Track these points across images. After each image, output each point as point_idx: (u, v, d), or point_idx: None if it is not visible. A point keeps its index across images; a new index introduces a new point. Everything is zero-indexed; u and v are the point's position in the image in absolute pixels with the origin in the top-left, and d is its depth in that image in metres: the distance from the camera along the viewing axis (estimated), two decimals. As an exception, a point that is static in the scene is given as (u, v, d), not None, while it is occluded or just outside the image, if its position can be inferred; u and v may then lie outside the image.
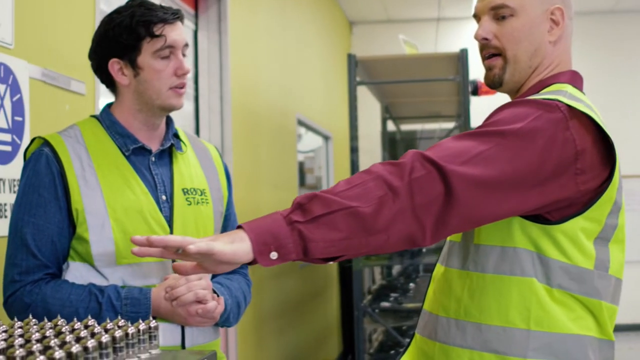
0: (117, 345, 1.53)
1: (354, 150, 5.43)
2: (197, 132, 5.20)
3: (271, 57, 6.46)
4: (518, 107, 1.89)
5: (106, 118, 2.39)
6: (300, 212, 1.69)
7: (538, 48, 2.04)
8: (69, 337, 1.47)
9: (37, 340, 1.45)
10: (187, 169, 2.44)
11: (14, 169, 2.75)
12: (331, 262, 1.75)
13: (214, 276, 2.47)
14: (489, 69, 2.09)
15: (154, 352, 1.68)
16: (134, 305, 2.20)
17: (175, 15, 2.34)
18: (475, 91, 5.78)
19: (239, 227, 1.70)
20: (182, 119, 5.11)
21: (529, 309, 1.89)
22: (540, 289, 1.90)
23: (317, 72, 8.07)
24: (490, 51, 2.07)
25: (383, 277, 7.31)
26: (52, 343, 1.42)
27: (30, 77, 2.92)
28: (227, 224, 2.55)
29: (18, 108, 2.83)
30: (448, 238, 2.09)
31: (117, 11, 2.36)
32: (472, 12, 2.16)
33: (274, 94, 6.47)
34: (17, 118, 2.83)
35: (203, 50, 5.25)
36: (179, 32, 2.34)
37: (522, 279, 1.91)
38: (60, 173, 2.25)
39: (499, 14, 2.04)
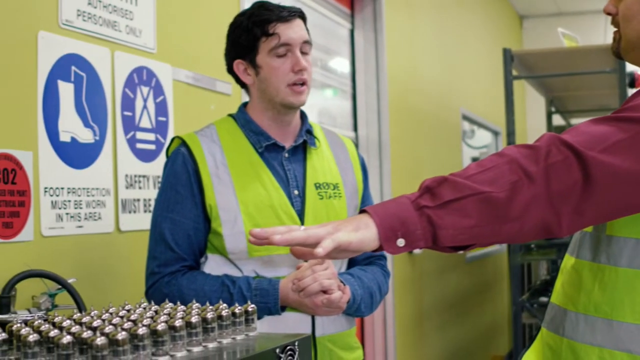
0: (209, 326, 1.63)
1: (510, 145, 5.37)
2: (355, 129, 5.30)
3: (431, 53, 6.46)
4: None
5: (241, 117, 2.49)
6: (429, 197, 1.58)
7: None
8: (163, 317, 1.57)
9: (129, 319, 1.56)
10: (321, 163, 2.51)
11: (158, 166, 2.92)
12: (460, 252, 1.67)
13: (349, 266, 2.54)
14: (612, 39, 1.99)
15: (251, 334, 1.76)
16: (263, 295, 2.29)
17: (292, 13, 2.41)
18: (632, 83, 5.57)
19: (363, 211, 1.62)
20: (340, 117, 5.24)
21: None
22: None
23: (483, 66, 8.00)
24: (614, 25, 1.96)
25: (548, 272, 7.14)
26: (143, 322, 1.53)
27: (174, 79, 3.09)
28: None
29: (161, 109, 3.01)
30: (588, 230, 1.93)
31: (240, 14, 2.48)
32: None
33: (434, 90, 6.47)
34: (161, 118, 3.00)
35: (359, 49, 5.34)
36: (296, 30, 2.39)
37: None
38: (195, 171, 2.37)
39: None
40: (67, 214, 2.51)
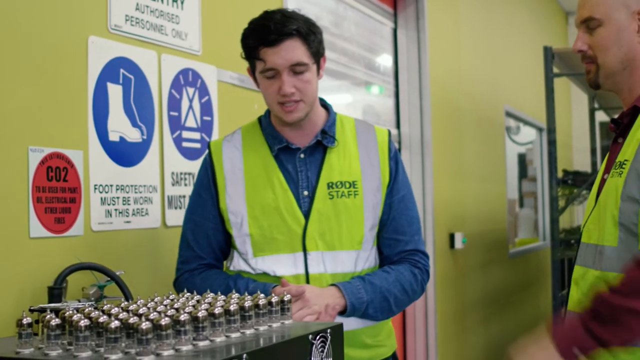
0: (247, 314, 1.74)
1: (551, 142, 5.43)
2: (398, 126, 5.38)
3: (474, 50, 6.51)
4: None
5: (264, 120, 2.58)
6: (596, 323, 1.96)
7: (628, 51, 2.15)
8: (204, 306, 1.69)
9: (172, 307, 1.68)
10: (339, 162, 2.51)
11: (203, 164, 3.04)
12: None
13: (382, 262, 2.56)
14: (586, 72, 2.24)
15: (287, 322, 1.86)
16: None
17: (281, 36, 2.38)
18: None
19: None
20: (385, 115, 5.33)
21: None
22: None
23: (528, 63, 8.02)
24: (586, 60, 2.22)
25: (593, 268, 7.14)
26: (185, 310, 1.64)
27: (219, 80, 3.21)
28: (399, 207, 2.53)
29: (207, 109, 3.13)
30: (592, 241, 2.16)
31: (250, 22, 2.50)
32: None
33: (478, 87, 6.52)
34: (206, 118, 3.12)
35: (402, 48, 5.42)
36: (283, 54, 2.38)
37: None
38: (213, 176, 2.53)
39: (589, 26, 2.18)
40: (115, 209, 2.64)
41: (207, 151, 2.59)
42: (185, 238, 2.57)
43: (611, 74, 2.18)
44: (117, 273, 2.43)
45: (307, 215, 2.45)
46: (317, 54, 2.46)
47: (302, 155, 2.51)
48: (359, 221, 2.48)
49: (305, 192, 2.48)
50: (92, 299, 2.34)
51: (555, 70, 5.73)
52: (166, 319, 1.50)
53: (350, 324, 2.42)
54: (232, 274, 2.51)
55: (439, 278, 5.41)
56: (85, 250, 2.51)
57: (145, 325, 1.47)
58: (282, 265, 2.44)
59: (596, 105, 7.21)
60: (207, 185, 2.53)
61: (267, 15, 2.44)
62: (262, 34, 2.40)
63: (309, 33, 2.42)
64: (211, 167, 2.53)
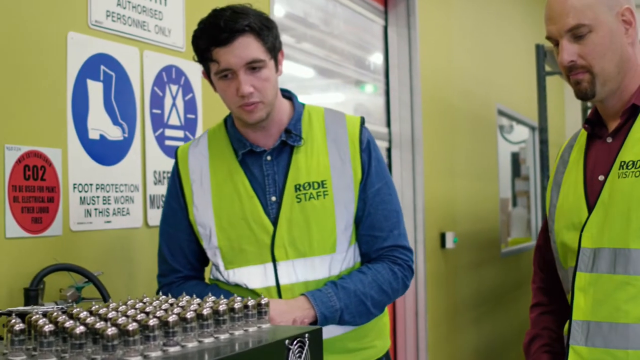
0: (221, 318, 1.69)
1: (543, 142, 5.39)
2: (388, 125, 5.34)
3: (466, 48, 6.47)
4: None
5: (229, 121, 2.47)
6: None
7: (622, 53, 2.08)
8: (175, 310, 1.64)
9: (142, 311, 1.63)
10: (307, 161, 2.39)
11: (186, 162, 2.99)
12: None
13: (362, 258, 2.44)
14: (576, 83, 2.10)
15: (264, 326, 1.82)
16: None
17: (233, 34, 2.25)
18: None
19: None
20: (376, 114, 5.29)
21: None
22: None
23: (521, 61, 7.97)
24: (577, 70, 2.08)
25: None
26: (156, 314, 1.59)
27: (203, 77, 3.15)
28: (374, 202, 2.40)
29: (190, 106, 3.08)
30: (604, 245, 2.08)
31: (199, 22, 2.35)
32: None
33: (470, 85, 6.48)
34: (190, 116, 3.07)
35: (393, 45, 5.38)
36: (237, 53, 2.25)
37: None
38: (181, 187, 2.44)
39: (577, 34, 2.06)
40: (95, 209, 2.59)
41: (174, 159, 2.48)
42: (160, 250, 2.48)
43: (608, 80, 2.08)
44: (96, 274, 2.38)
45: (275, 222, 2.34)
46: (274, 49, 2.33)
47: (268, 158, 2.39)
48: (330, 223, 2.36)
49: (273, 198, 2.36)
50: (70, 300, 2.30)
51: (548, 68, 5.69)
52: (134, 324, 1.45)
53: (330, 330, 2.32)
54: (210, 285, 2.44)
55: (430, 278, 5.37)
56: (64, 250, 2.47)
57: (111, 330, 1.42)
58: (253, 277, 2.35)
59: (589, 104, 7.17)
60: (175, 195, 2.44)
61: (216, 13, 2.30)
62: (213, 34, 2.26)
63: (262, 28, 2.29)
64: (178, 177, 2.44)
